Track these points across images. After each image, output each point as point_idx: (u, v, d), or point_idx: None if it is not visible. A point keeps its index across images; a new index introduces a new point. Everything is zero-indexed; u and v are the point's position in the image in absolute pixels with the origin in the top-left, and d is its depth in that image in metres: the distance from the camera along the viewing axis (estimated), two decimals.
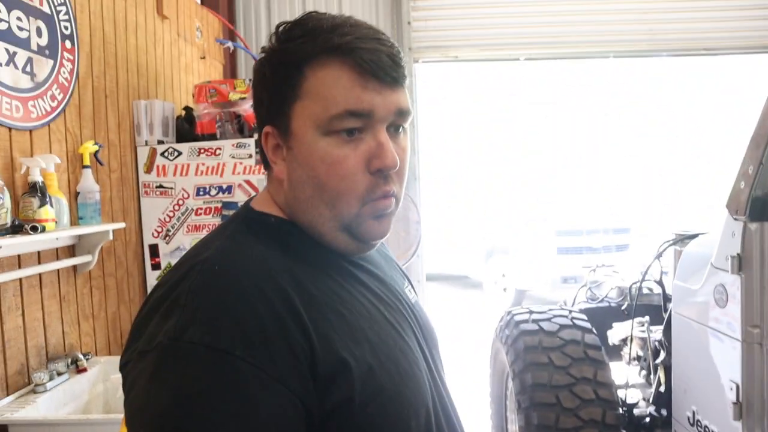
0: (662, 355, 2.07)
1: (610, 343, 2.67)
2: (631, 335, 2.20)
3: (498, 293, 7.31)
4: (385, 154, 0.70)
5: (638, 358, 2.44)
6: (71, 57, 2.21)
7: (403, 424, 0.70)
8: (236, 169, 2.65)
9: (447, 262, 8.23)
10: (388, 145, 0.70)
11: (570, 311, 2.28)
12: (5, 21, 1.88)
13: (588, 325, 2.15)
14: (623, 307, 2.53)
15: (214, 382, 0.60)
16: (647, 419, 2.12)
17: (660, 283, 2.23)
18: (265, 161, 0.79)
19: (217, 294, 0.64)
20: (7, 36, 1.88)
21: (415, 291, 0.92)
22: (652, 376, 2.18)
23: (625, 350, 2.60)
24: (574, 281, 6.76)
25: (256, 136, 0.68)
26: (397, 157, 0.71)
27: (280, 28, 0.73)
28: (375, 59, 0.68)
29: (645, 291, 2.65)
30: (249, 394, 0.60)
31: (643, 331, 2.25)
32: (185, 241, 2.68)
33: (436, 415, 0.76)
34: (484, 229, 7.66)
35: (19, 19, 1.94)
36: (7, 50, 1.88)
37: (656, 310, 2.49)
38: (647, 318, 2.28)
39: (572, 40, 4.33)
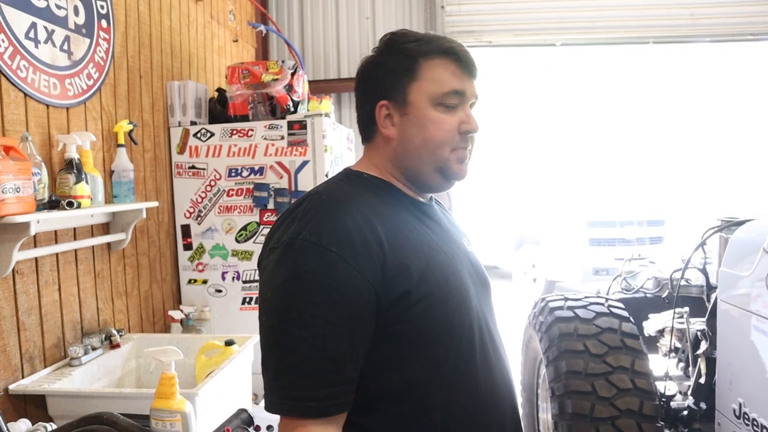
0: (704, 345, 2.00)
1: (646, 334, 2.59)
2: (672, 325, 2.12)
3: (528, 284, 7.22)
4: (472, 121, 1.05)
5: (676, 349, 2.37)
6: (107, 36, 2.22)
7: (448, 324, 0.97)
8: (268, 150, 2.64)
9: (477, 252, 8.14)
10: (473, 116, 1.06)
11: (606, 299, 2.21)
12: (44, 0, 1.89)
13: (625, 313, 2.08)
14: (664, 296, 2.44)
15: (316, 265, 0.89)
16: (685, 412, 2.05)
17: (704, 271, 2.14)
18: (366, 134, 1.11)
19: (323, 212, 0.94)
20: (46, 14, 1.90)
21: (471, 245, 1.23)
22: (691, 368, 2.10)
23: (662, 342, 2.53)
24: (606, 273, 6.62)
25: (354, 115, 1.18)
26: (478, 124, 1.05)
27: (392, 37, 1.08)
28: (468, 60, 1.05)
29: (683, 282, 2.57)
30: (338, 277, 0.89)
31: (683, 322, 2.17)
32: (217, 222, 2.69)
33: (481, 336, 1.02)
34: (514, 219, 7.55)
35: None
36: (45, 28, 1.89)
37: (695, 301, 2.41)
38: (687, 309, 2.21)
39: (610, 25, 4.20)
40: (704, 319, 2.08)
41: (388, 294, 0.91)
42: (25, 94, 1.79)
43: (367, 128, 1.10)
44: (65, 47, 1.99)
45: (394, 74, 1.04)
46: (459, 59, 1.04)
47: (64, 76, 1.98)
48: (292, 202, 1.12)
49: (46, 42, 1.90)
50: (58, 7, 1.96)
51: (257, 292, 2.61)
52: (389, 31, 1.10)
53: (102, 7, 2.20)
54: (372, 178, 1.08)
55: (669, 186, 8.49)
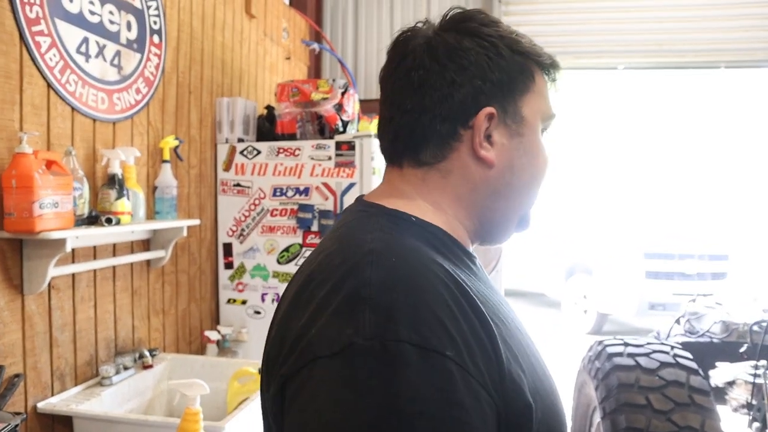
0: None
1: (713, 384, 2.36)
2: (754, 382, 1.90)
3: (578, 314, 6.91)
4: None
5: (749, 405, 2.13)
6: (158, 52, 2.21)
7: None
8: (314, 170, 2.58)
9: (524, 278, 7.89)
10: None
11: (672, 347, 2.01)
12: (98, 14, 1.89)
13: (694, 365, 1.88)
14: (742, 351, 2.20)
15: (430, 385, 0.51)
16: None
17: None
18: (431, 150, 0.72)
19: (409, 288, 0.56)
20: (99, 29, 1.89)
21: None
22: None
23: (732, 394, 2.30)
24: (663, 308, 6.27)
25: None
26: None
27: (487, 19, 0.73)
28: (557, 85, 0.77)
29: (756, 329, 2.33)
30: (463, 401, 0.52)
31: (759, 376, 1.95)
32: (259, 241, 2.64)
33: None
34: (565, 246, 7.27)
35: (111, 12, 1.95)
36: (97, 43, 1.89)
37: None
38: (765, 362, 1.99)
39: (677, 49, 3.99)
40: None
41: (509, 413, 0.57)
42: (73, 108, 1.78)
43: (439, 142, 0.71)
44: (115, 62, 1.98)
45: (512, 72, 0.71)
46: (555, 80, 0.76)
47: (113, 91, 1.97)
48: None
49: (96, 56, 1.89)
50: (111, 22, 1.96)
51: None
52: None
53: (155, 23, 2.19)
54: (427, 226, 0.69)
55: (735, 218, 8.01)
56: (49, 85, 1.68)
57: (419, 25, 0.74)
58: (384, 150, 0.78)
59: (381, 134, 0.78)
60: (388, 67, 0.75)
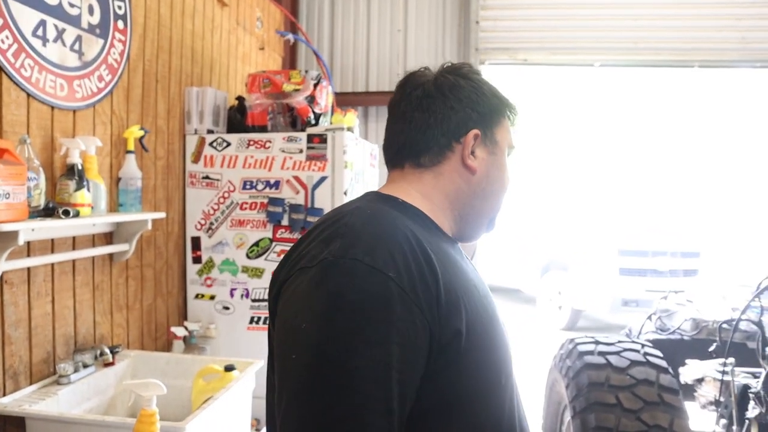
0: (756, 409, 1.78)
1: (682, 381, 2.37)
2: (722, 379, 1.90)
3: (552, 311, 6.96)
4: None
5: (717, 402, 2.14)
6: (123, 38, 2.13)
7: (496, 383, 0.84)
8: (285, 163, 2.52)
9: (500, 275, 7.92)
10: None
11: (643, 345, 2.01)
12: None
13: (664, 363, 1.88)
14: (711, 350, 2.20)
15: (368, 292, 0.72)
16: None
17: (759, 324, 1.93)
18: (429, 156, 0.94)
19: (373, 230, 0.79)
20: (57, 12, 1.81)
21: None
22: (736, 428, 1.89)
23: (701, 391, 2.31)
24: (636, 305, 6.34)
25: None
26: None
27: (482, 75, 1.00)
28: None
29: (725, 327, 2.34)
30: (394, 309, 0.72)
31: (727, 374, 1.96)
32: (228, 236, 2.57)
33: (515, 389, 0.90)
34: (541, 243, 7.31)
35: None
36: (56, 26, 1.80)
37: (737, 348, 2.19)
38: (733, 360, 1.99)
39: (653, 47, 4.00)
40: (755, 377, 1.87)
41: (442, 335, 0.76)
42: (28, 94, 1.70)
43: (437, 150, 0.94)
44: (76, 47, 1.90)
45: (491, 107, 0.96)
46: (514, 122, 1.01)
47: (73, 77, 1.89)
48: (326, 216, 0.87)
49: (55, 41, 1.81)
50: (72, 5, 1.87)
51: (266, 311, 2.46)
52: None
53: (119, 8, 2.11)
54: (410, 207, 0.91)
55: (707, 216, 8.14)
56: (2, 69, 1.60)
57: (423, 69, 1.00)
58: (390, 158, 0.99)
59: (389, 145, 0.99)
60: (401, 94, 0.98)
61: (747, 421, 1.78)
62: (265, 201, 2.53)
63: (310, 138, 2.50)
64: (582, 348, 1.97)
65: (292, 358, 0.73)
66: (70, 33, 1.87)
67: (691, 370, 2.35)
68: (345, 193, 2.48)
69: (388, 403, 0.70)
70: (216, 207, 2.58)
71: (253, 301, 2.56)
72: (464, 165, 0.94)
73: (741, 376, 2.07)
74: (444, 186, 0.94)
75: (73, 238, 1.91)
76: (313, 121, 2.58)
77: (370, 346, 0.70)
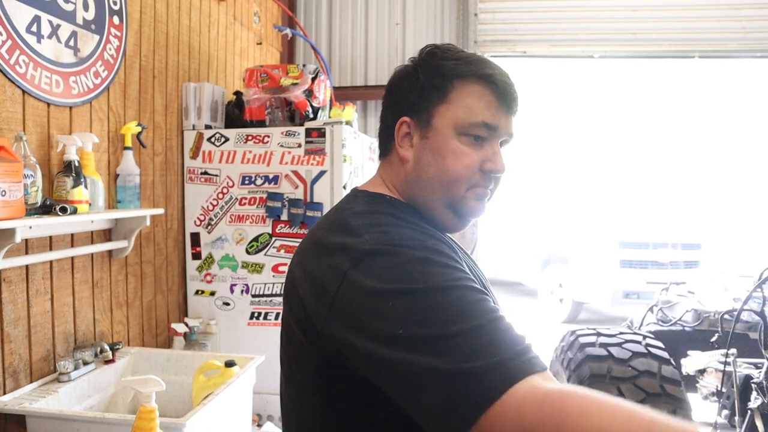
0: (758, 399, 1.77)
1: (684, 372, 2.37)
2: (724, 370, 1.90)
3: (554, 304, 6.96)
4: (498, 160, 0.91)
5: (719, 393, 2.14)
6: (119, 33, 2.12)
7: None
8: (284, 158, 2.51)
9: (501, 268, 7.92)
10: (501, 155, 0.92)
11: (644, 336, 2.00)
12: None
13: (666, 354, 1.87)
14: (713, 340, 2.19)
15: (427, 248, 0.77)
16: None
17: (761, 314, 1.92)
18: (383, 148, 0.99)
19: (399, 225, 0.83)
20: (51, 7, 1.79)
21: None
22: (738, 419, 1.88)
23: (703, 382, 2.30)
24: (637, 297, 6.34)
25: (381, 128, 1.02)
26: (505, 164, 0.92)
27: (433, 50, 0.95)
28: (509, 92, 0.91)
29: (726, 318, 2.34)
30: (449, 254, 0.78)
31: (729, 364, 1.95)
32: (227, 231, 2.56)
33: None
34: (542, 236, 7.30)
35: None
36: (50, 22, 1.79)
37: (739, 338, 2.19)
38: (734, 351, 1.99)
39: (653, 38, 3.97)
40: (757, 367, 1.86)
41: None
42: (24, 91, 1.69)
43: (386, 143, 0.99)
44: (71, 43, 1.89)
45: (424, 90, 0.92)
46: (498, 89, 0.90)
47: (69, 74, 1.87)
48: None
49: (50, 37, 1.79)
50: (66, 1, 1.86)
51: (266, 307, 2.44)
52: (423, 41, 0.94)
53: (115, 3, 2.09)
54: (394, 200, 0.94)
55: (708, 208, 8.12)
56: None
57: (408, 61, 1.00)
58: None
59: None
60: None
61: (749, 412, 1.77)
62: (264, 196, 2.52)
63: (309, 132, 2.49)
64: (583, 340, 1.96)
65: (399, 333, 0.69)
66: (65, 29, 1.86)
67: (693, 361, 2.34)
68: (344, 187, 2.47)
69: (497, 308, 0.74)
70: (215, 202, 2.57)
71: (254, 296, 2.56)
72: (399, 156, 0.95)
73: (743, 367, 2.06)
74: (395, 175, 0.96)
75: (72, 235, 1.90)
76: (311, 116, 2.57)
77: (459, 271, 0.75)
